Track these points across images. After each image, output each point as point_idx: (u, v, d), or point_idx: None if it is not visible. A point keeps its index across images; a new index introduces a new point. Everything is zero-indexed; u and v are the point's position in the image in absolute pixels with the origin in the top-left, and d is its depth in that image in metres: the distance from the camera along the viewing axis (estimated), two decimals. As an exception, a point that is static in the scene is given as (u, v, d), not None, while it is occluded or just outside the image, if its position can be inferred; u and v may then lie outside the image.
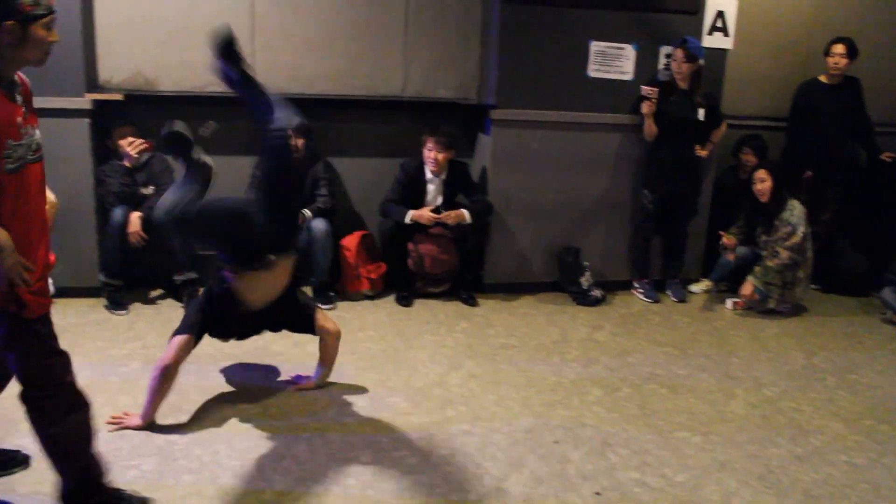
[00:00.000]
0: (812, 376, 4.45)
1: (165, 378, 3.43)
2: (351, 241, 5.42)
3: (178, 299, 5.10)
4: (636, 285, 5.82)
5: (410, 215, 5.24)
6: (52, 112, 4.80)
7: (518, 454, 3.38)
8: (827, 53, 5.87)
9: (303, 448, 3.34)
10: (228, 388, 3.89)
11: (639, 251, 5.82)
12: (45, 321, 2.62)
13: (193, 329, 3.55)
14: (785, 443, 3.61)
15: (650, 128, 5.46)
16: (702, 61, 5.38)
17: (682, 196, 5.67)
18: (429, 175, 5.37)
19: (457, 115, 5.74)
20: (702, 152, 5.62)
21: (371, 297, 5.40)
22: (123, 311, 4.90)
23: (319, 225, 5.13)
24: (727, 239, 5.62)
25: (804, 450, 3.55)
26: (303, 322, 3.80)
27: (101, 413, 3.55)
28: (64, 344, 4.30)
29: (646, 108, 5.39)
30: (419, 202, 5.38)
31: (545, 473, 3.24)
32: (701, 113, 5.47)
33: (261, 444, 3.36)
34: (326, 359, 3.92)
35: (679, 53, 5.36)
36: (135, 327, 4.69)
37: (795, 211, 5.39)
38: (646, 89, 5.37)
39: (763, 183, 5.43)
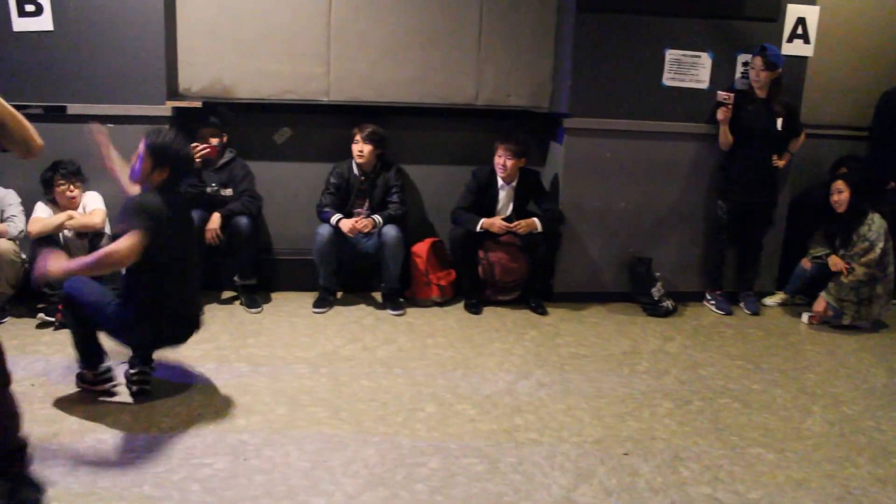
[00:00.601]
0: (894, 395, 4.29)
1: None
2: (421, 248, 5.46)
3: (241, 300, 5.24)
4: (708, 297, 5.72)
5: (481, 223, 5.24)
6: (135, 119, 4.99)
7: (587, 465, 3.35)
8: (914, 60, 5.68)
9: (371, 452, 3.37)
10: (299, 392, 3.94)
11: (712, 262, 5.71)
12: None
13: None
14: (865, 463, 3.49)
15: (725, 136, 5.35)
16: (780, 69, 5.26)
17: (757, 207, 5.55)
18: (500, 182, 5.37)
19: (529, 123, 5.74)
20: (779, 162, 5.49)
21: (440, 304, 5.43)
22: (199, 313, 5.02)
23: (390, 231, 5.18)
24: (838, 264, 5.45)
25: (886, 472, 3.43)
26: None
27: (174, 412, 3.66)
28: (144, 343, 4.42)
29: (721, 114, 5.29)
30: (490, 210, 5.38)
31: (614, 485, 3.20)
32: (779, 122, 5.35)
33: (331, 447, 3.40)
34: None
35: (758, 61, 5.25)
36: (208, 329, 4.78)
37: (874, 226, 5.23)
38: (722, 94, 5.26)
39: (840, 194, 5.29)
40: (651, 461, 3.41)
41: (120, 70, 4.95)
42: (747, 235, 5.66)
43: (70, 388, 3.84)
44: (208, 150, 5.06)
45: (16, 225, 4.72)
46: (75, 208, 4.86)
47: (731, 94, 5.26)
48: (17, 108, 4.88)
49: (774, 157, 5.46)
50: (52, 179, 4.78)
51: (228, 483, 3.08)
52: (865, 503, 3.16)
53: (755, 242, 5.69)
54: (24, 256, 4.80)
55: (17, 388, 3.78)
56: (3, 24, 4.80)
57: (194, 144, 5.07)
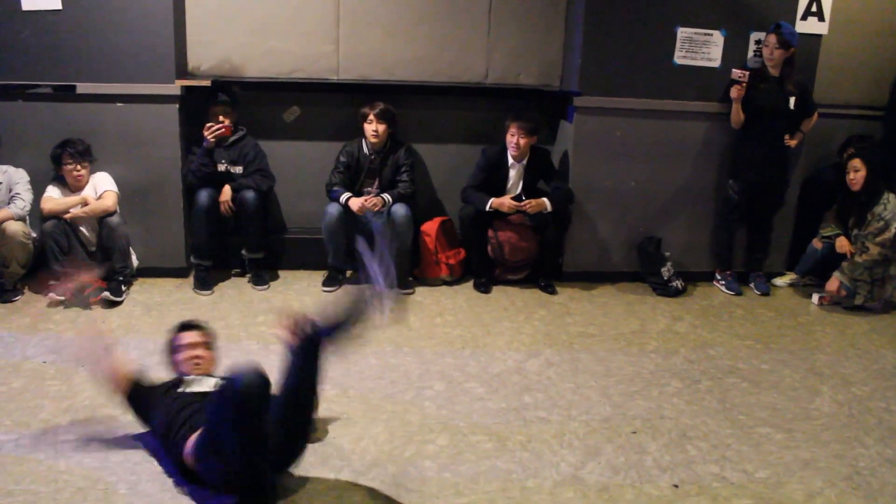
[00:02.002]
0: (904, 376, 4.29)
1: None
2: (431, 227, 5.45)
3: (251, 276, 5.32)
4: (718, 277, 5.70)
5: (491, 203, 5.23)
6: (144, 98, 5.00)
7: (595, 443, 3.36)
8: (930, 38, 5.61)
9: (380, 429, 3.38)
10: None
11: (722, 242, 5.69)
12: None
13: None
14: (874, 444, 3.49)
15: (737, 115, 5.31)
16: (794, 48, 5.21)
17: (768, 187, 5.51)
18: (510, 161, 5.35)
19: (539, 102, 5.70)
20: (791, 142, 5.45)
21: (449, 283, 5.43)
22: (208, 292, 5.04)
23: (400, 210, 5.17)
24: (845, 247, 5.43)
25: (895, 452, 3.42)
26: None
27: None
28: (150, 322, 4.52)
29: (735, 92, 5.24)
30: (500, 188, 5.36)
31: (622, 463, 3.21)
32: (792, 101, 5.30)
33: (339, 424, 3.42)
34: None
35: (772, 39, 5.20)
36: (218, 307, 4.82)
37: (889, 205, 5.19)
38: (737, 72, 5.20)
39: (857, 172, 5.25)
40: (659, 440, 3.42)
41: (129, 49, 4.92)
42: (758, 215, 5.63)
43: (80, 365, 3.86)
44: (223, 129, 5.06)
45: (20, 203, 4.74)
46: (82, 188, 4.88)
47: (746, 73, 5.21)
48: (26, 87, 4.95)
49: (786, 137, 5.42)
50: (60, 157, 4.80)
51: (238, 459, 3.10)
52: (874, 483, 3.16)
53: (766, 222, 5.67)
54: (34, 236, 4.82)
55: (28, 364, 3.86)
56: (12, 2, 4.78)
57: (209, 124, 5.06)
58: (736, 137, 5.49)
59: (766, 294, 5.56)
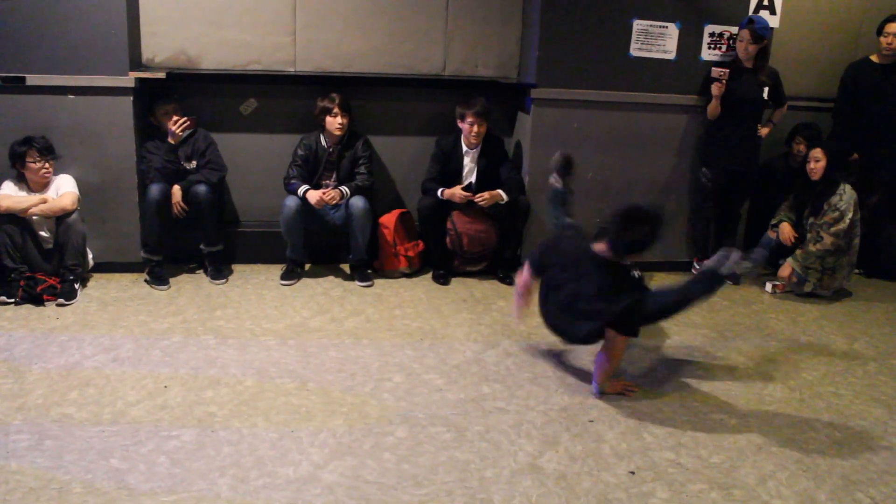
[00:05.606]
0: (853, 361, 4.38)
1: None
2: (389, 219, 5.45)
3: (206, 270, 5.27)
4: (696, 265, 5.79)
5: (441, 192, 5.26)
6: (97, 90, 4.91)
7: (553, 432, 3.39)
8: (880, 32, 5.72)
9: (339, 422, 3.38)
10: (267, 364, 3.94)
11: (698, 230, 5.79)
12: None
13: None
14: (823, 427, 3.57)
15: (715, 109, 5.41)
16: (766, 40, 5.33)
17: (738, 176, 5.60)
18: (465, 149, 5.37)
19: (497, 93, 5.72)
20: (762, 131, 5.58)
21: (408, 275, 5.43)
22: (165, 286, 4.98)
23: (358, 203, 5.15)
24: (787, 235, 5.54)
25: (843, 434, 3.51)
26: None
27: (142, 385, 3.64)
28: (106, 318, 4.45)
29: (716, 89, 5.33)
30: (457, 177, 5.39)
31: (579, 452, 3.24)
32: (765, 92, 5.43)
33: (298, 417, 3.41)
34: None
35: (745, 34, 5.29)
36: (175, 302, 4.77)
37: (845, 196, 5.28)
38: (717, 71, 5.29)
39: (818, 162, 5.32)
40: (616, 428, 3.46)
41: (81, 39, 4.83)
42: (727, 204, 5.73)
43: (33, 363, 3.81)
44: (188, 122, 5.00)
45: None
46: (46, 186, 4.77)
47: (727, 71, 5.28)
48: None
49: (759, 126, 5.54)
50: (24, 155, 4.67)
51: (196, 454, 3.07)
52: (823, 465, 3.23)
53: (734, 212, 5.77)
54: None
55: (-21, 362, 3.77)
56: (-43, -8, 4.68)
57: (176, 119, 4.98)
58: (709, 125, 5.57)
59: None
